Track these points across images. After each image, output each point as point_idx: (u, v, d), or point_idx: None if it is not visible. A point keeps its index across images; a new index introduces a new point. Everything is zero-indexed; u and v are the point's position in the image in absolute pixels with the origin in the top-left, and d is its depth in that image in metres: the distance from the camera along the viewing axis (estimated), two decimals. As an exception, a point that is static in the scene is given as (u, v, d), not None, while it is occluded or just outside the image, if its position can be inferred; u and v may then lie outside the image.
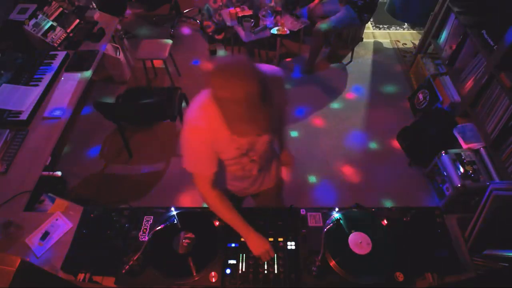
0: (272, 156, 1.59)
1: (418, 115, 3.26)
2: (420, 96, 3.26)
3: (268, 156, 1.51)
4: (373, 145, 3.15)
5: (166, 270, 1.33)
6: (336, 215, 1.47)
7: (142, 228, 1.46)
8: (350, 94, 3.65)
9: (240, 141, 1.29)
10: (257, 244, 1.39)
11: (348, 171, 2.95)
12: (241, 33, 3.55)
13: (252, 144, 1.34)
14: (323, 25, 3.45)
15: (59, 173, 2.48)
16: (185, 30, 4.47)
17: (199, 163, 1.30)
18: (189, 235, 1.42)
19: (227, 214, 1.41)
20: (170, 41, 3.48)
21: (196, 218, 1.51)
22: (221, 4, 4.12)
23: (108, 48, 3.31)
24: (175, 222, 1.45)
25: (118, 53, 3.47)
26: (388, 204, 2.69)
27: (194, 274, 1.32)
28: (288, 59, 4.05)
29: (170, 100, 2.73)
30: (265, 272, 1.34)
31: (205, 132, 1.22)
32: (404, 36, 4.43)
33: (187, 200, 2.74)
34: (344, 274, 1.31)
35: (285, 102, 1.42)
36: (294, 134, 3.25)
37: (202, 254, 1.38)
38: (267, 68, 1.27)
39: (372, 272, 1.33)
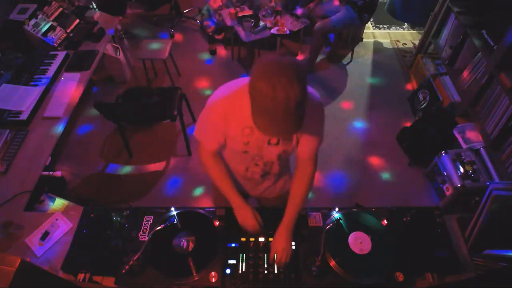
0: (281, 172, 1.55)
1: (418, 115, 3.26)
2: (420, 96, 3.26)
3: (275, 168, 1.49)
4: (373, 145, 3.15)
5: (166, 270, 1.33)
6: (336, 215, 1.47)
7: (142, 228, 1.46)
8: (349, 94, 3.65)
9: (249, 139, 1.29)
10: (244, 215, 1.41)
11: (348, 171, 2.95)
12: (241, 33, 3.55)
13: (261, 149, 1.34)
14: (322, 25, 3.45)
15: (59, 173, 2.48)
16: (185, 30, 4.47)
17: (205, 133, 1.35)
18: (189, 235, 1.42)
19: (218, 177, 1.43)
20: (170, 41, 3.48)
21: (196, 218, 1.51)
22: (221, 4, 4.12)
23: (108, 48, 3.31)
24: (175, 222, 1.45)
25: (118, 53, 3.47)
26: (388, 204, 2.69)
27: (194, 274, 1.32)
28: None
29: (170, 100, 2.73)
30: (265, 272, 1.34)
31: (224, 109, 1.24)
32: (404, 36, 4.43)
33: (187, 200, 2.74)
34: (344, 274, 1.31)
35: (317, 134, 1.34)
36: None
37: (202, 254, 1.38)
38: (312, 91, 1.27)
39: (372, 272, 1.33)
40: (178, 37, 4.36)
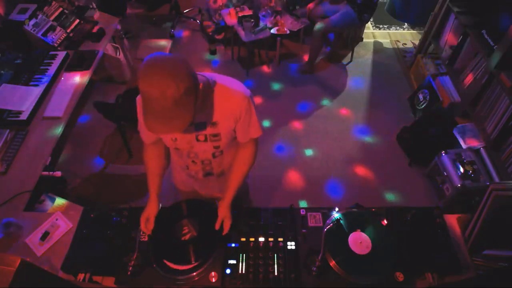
0: (224, 173, 1.55)
1: (418, 115, 3.26)
2: (420, 96, 3.26)
3: (215, 168, 1.50)
4: (373, 145, 3.15)
5: (167, 256, 1.35)
6: (336, 215, 1.47)
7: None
8: (350, 94, 3.65)
9: (176, 135, 1.34)
10: (146, 211, 1.44)
11: (348, 171, 2.95)
12: (241, 33, 3.55)
13: (191, 145, 1.37)
14: (322, 25, 3.45)
15: (59, 173, 2.47)
16: (185, 30, 4.47)
17: (141, 129, 1.45)
18: (192, 222, 1.44)
19: (147, 169, 1.51)
20: (170, 41, 3.47)
21: (201, 206, 1.52)
22: (221, 4, 4.12)
23: (108, 48, 3.31)
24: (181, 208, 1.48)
25: (118, 53, 3.47)
26: (388, 204, 2.69)
27: (193, 261, 1.33)
28: (288, 59, 4.05)
29: (170, 100, 2.73)
30: (265, 272, 1.34)
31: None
32: (404, 36, 4.43)
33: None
34: (344, 274, 1.31)
35: (249, 125, 1.36)
36: (294, 133, 3.25)
37: (203, 243, 1.39)
38: (235, 85, 1.30)
39: (372, 272, 1.33)
40: (178, 37, 4.36)
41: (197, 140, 1.35)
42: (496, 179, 2.32)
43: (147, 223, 1.42)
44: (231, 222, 1.42)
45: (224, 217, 1.41)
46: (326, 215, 1.51)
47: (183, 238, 1.41)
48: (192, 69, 1.09)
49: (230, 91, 1.29)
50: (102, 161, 3.03)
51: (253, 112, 1.35)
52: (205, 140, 1.35)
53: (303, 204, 2.67)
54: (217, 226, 1.40)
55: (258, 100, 3.58)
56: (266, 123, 3.35)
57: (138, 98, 1.36)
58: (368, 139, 3.21)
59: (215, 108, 1.27)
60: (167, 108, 1.03)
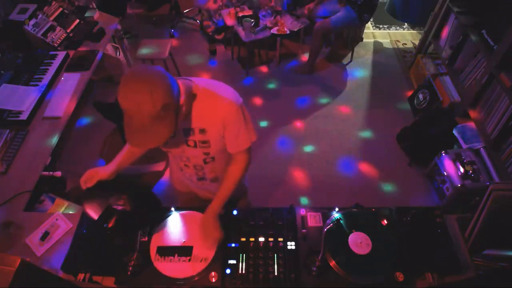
0: (217, 178, 1.53)
1: (418, 115, 3.26)
2: (420, 96, 3.27)
3: (208, 174, 1.50)
4: (373, 145, 3.15)
5: None
6: (336, 215, 1.47)
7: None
8: (349, 94, 3.65)
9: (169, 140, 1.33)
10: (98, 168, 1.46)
11: (348, 171, 2.95)
12: (241, 33, 3.55)
13: (182, 150, 1.36)
14: (322, 25, 3.45)
15: (59, 173, 2.47)
16: (185, 30, 4.47)
17: None
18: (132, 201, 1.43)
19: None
20: (170, 41, 3.48)
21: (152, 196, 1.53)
22: (221, 4, 4.12)
23: (108, 48, 3.31)
24: None
25: (118, 53, 3.47)
26: (388, 204, 2.69)
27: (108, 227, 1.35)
28: (288, 59, 4.06)
29: (170, 100, 2.73)
30: (265, 272, 1.34)
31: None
32: (404, 36, 4.43)
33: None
34: (344, 274, 1.31)
35: (238, 133, 1.30)
36: (293, 133, 3.25)
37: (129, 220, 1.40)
38: (226, 93, 1.27)
39: (372, 272, 1.33)
40: (178, 37, 4.36)
41: (187, 145, 1.34)
42: (496, 179, 2.32)
43: (88, 180, 1.41)
44: (219, 235, 1.35)
45: (205, 226, 1.37)
46: (326, 215, 1.51)
47: (113, 206, 1.39)
48: (171, 84, 1.06)
49: (217, 98, 1.25)
50: (102, 161, 3.03)
51: (242, 121, 1.29)
52: (195, 146, 1.33)
53: (303, 200, 2.67)
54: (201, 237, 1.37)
55: (257, 100, 3.58)
56: (266, 123, 3.35)
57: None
58: (368, 139, 3.21)
59: (202, 115, 1.25)
60: (144, 123, 1.03)
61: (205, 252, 1.36)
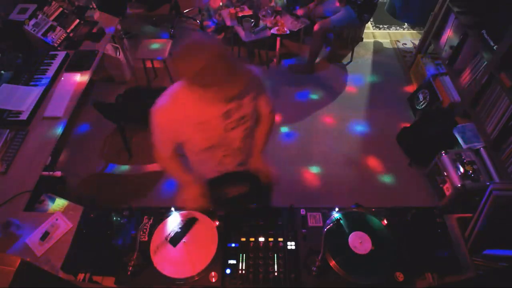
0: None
1: (418, 115, 3.26)
2: (420, 96, 3.26)
3: (247, 152, 1.60)
4: (373, 145, 3.15)
5: None
6: (336, 215, 1.47)
7: (142, 228, 1.46)
8: (350, 94, 3.65)
9: (208, 133, 1.37)
10: (191, 193, 1.52)
11: (348, 171, 2.95)
12: (241, 33, 3.55)
13: (223, 138, 1.41)
14: (322, 25, 3.46)
15: (59, 173, 2.47)
16: (185, 30, 4.47)
17: (157, 140, 1.44)
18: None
19: (174, 169, 1.58)
20: (170, 41, 3.48)
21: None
22: (221, 4, 4.12)
23: (108, 48, 3.31)
24: None
25: (118, 53, 3.47)
26: (388, 204, 2.69)
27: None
28: (288, 59, 4.06)
29: (170, 100, 2.73)
30: (265, 272, 1.34)
31: (166, 119, 1.33)
32: (404, 36, 4.43)
33: (187, 200, 2.74)
34: (344, 274, 1.31)
35: (266, 103, 1.50)
36: (294, 133, 3.25)
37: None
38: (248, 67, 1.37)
39: (372, 272, 1.33)
40: (178, 37, 4.36)
41: (229, 129, 1.39)
42: (496, 179, 2.32)
43: (199, 206, 1.48)
44: (271, 172, 1.60)
45: (258, 169, 1.58)
46: (326, 215, 1.51)
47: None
48: None
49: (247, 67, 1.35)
50: (102, 161, 3.03)
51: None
52: (236, 126, 1.40)
53: (303, 200, 2.66)
54: (264, 181, 1.59)
55: (258, 100, 3.58)
56: (266, 123, 3.35)
57: (155, 110, 1.33)
58: (368, 139, 3.21)
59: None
60: (226, 59, 1.12)
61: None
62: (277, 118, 3.39)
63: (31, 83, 2.40)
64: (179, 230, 1.42)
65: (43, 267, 1.37)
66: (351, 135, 3.24)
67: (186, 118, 1.31)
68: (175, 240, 1.40)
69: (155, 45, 3.43)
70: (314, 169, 2.96)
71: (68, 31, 2.86)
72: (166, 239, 1.40)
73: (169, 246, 1.39)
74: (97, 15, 3.13)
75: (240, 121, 1.39)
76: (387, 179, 2.89)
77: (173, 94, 1.32)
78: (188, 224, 1.44)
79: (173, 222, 1.47)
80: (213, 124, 1.34)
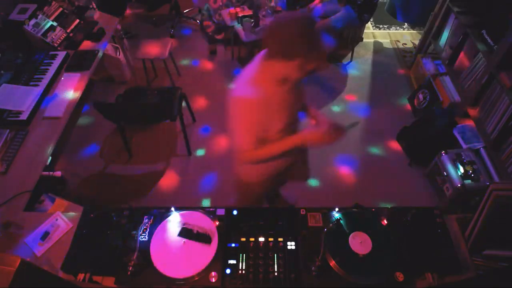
0: None
1: (418, 115, 3.26)
2: (420, 96, 3.26)
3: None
4: (373, 145, 3.15)
5: None
6: (336, 215, 1.47)
7: (142, 228, 1.46)
8: (349, 94, 3.65)
9: (285, 113, 1.43)
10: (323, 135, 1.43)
11: (348, 171, 2.95)
12: (241, 33, 3.55)
13: (294, 117, 1.51)
14: (322, 25, 3.45)
15: (59, 173, 2.48)
16: (185, 30, 4.47)
17: (244, 136, 1.42)
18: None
19: (277, 148, 1.48)
20: (170, 41, 3.48)
21: None
22: (221, 4, 4.12)
23: (108, 48, 3.31)
24: None
25: (118, 53, 3.47)
26: (388, 204, 2.69)
27: None
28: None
29: (170, 100, 2.73)
30: (265, 272, 1.34)
31: (255, 105, 1.34)
32: (404, 36, 4.43)
33: (187, 200, 2.74)
34: (344, 274, 1.31)
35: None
36: (294, 134, 3.25)
37: None
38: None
39: (372, 272, 1.33)
40: (178, 37, 4.36)
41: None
42: (496, 179, 2.32)
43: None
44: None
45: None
46: (326, 215, 1.51)
47: None
48: None
49: None
50: (102, 161, 3.03)
51: None
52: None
53: (303, 200, 2.66)
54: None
55: (258, 100, 3.58)
56: (266, 123, 3.35)
57: (237, 109, 1.39)
58: (368, 139, 3.21)
59: None
60: (309, 35, 1.21)
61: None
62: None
63: (31, 83, 2.40)
64: (195, 232, 1.41)
65: (43, 267, 1.37)
66: (351, 135, 3.24)
67: (268, 100, 1.36)
68: (184, 233, 1.40)
69: (155, 45, 3.43)
70: (314, 169, 2.95)
71: (68, 31, 2.86)
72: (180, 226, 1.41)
73: (169, 246, 1.39)
74: (97, 15, 3.13)
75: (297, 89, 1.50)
76: (387, 179, 2.89)
77: (251, 83, 1.37)
78: (202, 237, 1.41)
79: (197, 221, 1.47)
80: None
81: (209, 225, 1.46)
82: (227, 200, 2.71)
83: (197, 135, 3.23)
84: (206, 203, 2.72)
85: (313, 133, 1.46)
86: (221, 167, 2.96)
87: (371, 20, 4.51)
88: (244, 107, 1.37)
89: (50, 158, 2.13)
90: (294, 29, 1.21)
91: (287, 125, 1.48)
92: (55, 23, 2.81)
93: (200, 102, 3.52)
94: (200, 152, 3.09)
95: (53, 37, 2.75)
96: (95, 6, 3.23)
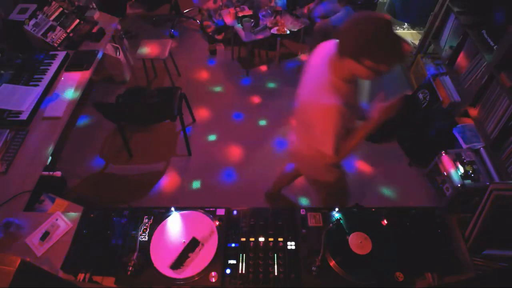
0: None
1: (418, 115, 3.26)
2: (420, 96, 3.26)
3: None
4: (372, 145, 3.15)
5: None
6: (336, 215, 1.47)
7: (142, 228, 1.46)
8: (350, 94, 3.64)
9: (358, 108, 1.46)
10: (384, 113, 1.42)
11: (348, 171, 2.95)
12: (241, 33, 3.55)
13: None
14: (322, 25, 3.46)
15: (59, 173, 2.48)
16: (185, 30, 4.47)
17: (339, 135, 1.40)
18: None
19: (356, 138, 1.47)
20: (170, 41, 3.48)
21: None
22: (221, 4, 4.12)
23: (108, 48, 3.31)
24: None
25: (118, 53, 3.47)
26: (388, 204, 2.69)
27: None
28: (288, 59, 4.05)
29: (170, 100, 2.73)
30: (265, 272, 1.34)
31: (341, 108, 1.32)
32: (404, 36, 4.41)
33: (187, 200, 2.74)
34: (344, 274, 1.31)
35: None
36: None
37: None
38: None
39: (372, 272, 1.33)
40: (178, 37, 4.36)
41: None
42: (496, 179, 2.32)
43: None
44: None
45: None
46: (326, 215, 1.51)
47: None
48: None
49: None
50: (102, 161, 3.03)
51: None
52: None
53: (303, 200, 2.67)
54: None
55: (257, 99, 3.58)
56: (265, 123, 3.35)
57: (327, 115, 1.35)
58: (368, 139, 3.20)
59: None
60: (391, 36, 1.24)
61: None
62: (278, 117, 3.39)
63: (31, 83, 2.40)
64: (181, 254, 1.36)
65: (43, 267, 1.37)
66: (351, 135, 3.23)
67: (350, 100, 1.37)
68: (177, 265, 1.36)
69: (155, 45, 3.43)
70: (314, 169, 2.96)
71: (68, 31, 2.86)
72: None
73: (169, 246, 1.39)
74: (97, 15, 3.13)
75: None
76: (387, 179, 2.89)
77: (331, 87, 1.35)
78: (191, 246, 1.39)
79: (196, 221, 1.46)
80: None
81: (209, 225, 1.46)
82: (227, 200, 2.72)
83: (198, 135, 3.23)
84: (206, 202, 2.71)
85: (377, 113, 1.44)
86: (222, 166, 2.96)
87: (371, 20, 4.50)
88: (330, 113, 1.34)
89: (50, 158, 2.13)
90: (371, 29, 1.18)
91: (360, 118, 1.49)
92: (55, 23, 2.80)
93: (200, 102, 3.52)
94: (200, 152, 3.09)
95: (53, 37, 2.75)
96: (95, 6, 3.24)
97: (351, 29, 1.22)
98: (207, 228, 1.46)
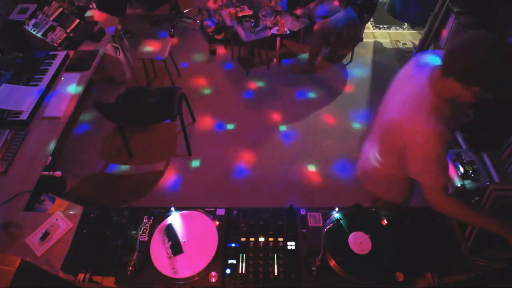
0: None
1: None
2: (420, 96, 3.26)
3: None
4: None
5: None
6: (336, 215, 1.47)
7: (142, 228, 1.46)
8: (350, 94, 3.64)
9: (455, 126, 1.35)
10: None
11: (348, 171, 2.95)
12: (241, 33, 3.55)
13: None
14: (322, 25, 3.45)
15: (59, 173, 2.47)
16: (185, 30, 4.47)
17: (443, 171, 1.29)
18: None
19: (469, 215, 1.29)
20: (170, 41, 3.48)
21: None
22: (221, 4, 4.12)
23: (108, 48, 3.31)
24: None
25: (118, 53, 3.47)
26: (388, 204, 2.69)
27: None
28: (288, 59, 4.06)
29: (170, 100, 2.73)
30: (265, 272, 1.34)
31: (446, 135, 1.21)
32: (404, 36, 4.43)
33: (187, 200, 2.74)
34: (344, 274, 1.31)
35: None
36: (294, 133, 3.25)
37: None
38: None
39: (372, 272, 1.33)
40: (178, 37, 4.36)
41: None
42: (496, 179, 2.32)
43: None
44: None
45: None
46: (326, 215, 1.51)
47: None
48: None
49: None
50: (102, 161, 3.03)
51: None
52: None
53: (303, 200, 2.67)
54: None
55: (257, 99, 3.58)
56: (266, 123, 3.35)
57: (431, 143, 1.22)
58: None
59: None
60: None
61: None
62: (277, 118, 3.40)
63: (31, 83, 2.40)
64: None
65: (43, 267, 1.37)
66: (351, 135, 3.24)
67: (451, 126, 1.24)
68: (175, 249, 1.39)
69: (155, 45, 3.43)
70: (314, 169, 2.96)
71: (68, 31, 2.86)
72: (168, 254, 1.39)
73: (169, 245, 1.39)
74: (97, 15, 3.12)
75: None
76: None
77: (434, 112, 1.22)
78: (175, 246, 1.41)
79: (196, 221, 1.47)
80: None
81: (209, 225, 1.46)
82: (227, 200, 2.72)
83: (198, 135, 3.23)
84: (206, 202, 2.72)
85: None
86: (221, 166, 2.96)
87: (371, 20, 4.50)
88: (434, 140, 1.21)
89: (50, 158, 2.13)
90: (480, 55, 1.09)
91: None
92: (55, 23, 2.80)
93: (200, 102, 3.52)
94: (200, 152, 3.09)
95: (53, 37, 2.75)
96: (95, 6, 3.23)
97: (464, 51, 1.11)
98: (207, 228, 1.46)
